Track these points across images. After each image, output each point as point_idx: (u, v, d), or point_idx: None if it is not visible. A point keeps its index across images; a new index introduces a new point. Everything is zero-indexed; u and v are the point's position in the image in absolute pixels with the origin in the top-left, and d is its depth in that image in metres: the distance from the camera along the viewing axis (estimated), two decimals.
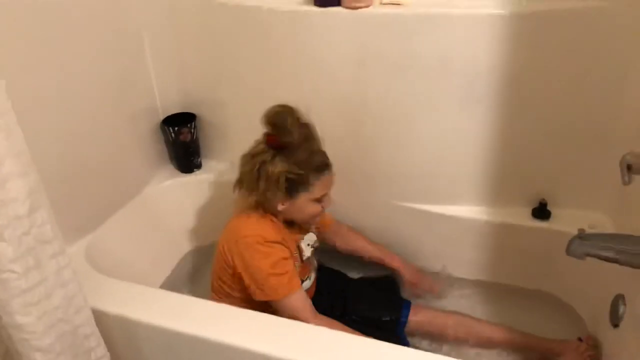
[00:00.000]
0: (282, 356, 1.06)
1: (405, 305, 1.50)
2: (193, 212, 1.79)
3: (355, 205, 1.63)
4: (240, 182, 1.31)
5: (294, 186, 1.26)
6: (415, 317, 1.48)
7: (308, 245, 1.43)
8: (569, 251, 1.12)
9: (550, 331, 1.46)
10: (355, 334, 1.18)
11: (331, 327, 1.17)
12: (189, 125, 1.71)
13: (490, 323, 1.49)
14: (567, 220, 1.47)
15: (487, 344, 1.46)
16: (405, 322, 1.47)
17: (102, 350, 1.12)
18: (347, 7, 1.35)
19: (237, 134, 1.70)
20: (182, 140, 1.72)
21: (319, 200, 1.31)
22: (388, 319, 1.48)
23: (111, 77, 1.47)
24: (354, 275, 1.67)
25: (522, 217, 1.52)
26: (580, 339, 1.39)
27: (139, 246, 1.62)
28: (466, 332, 1.47)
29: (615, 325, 1.21)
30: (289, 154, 1.24)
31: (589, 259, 1.11)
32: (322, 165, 1.28)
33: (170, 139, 1.73)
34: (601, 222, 1.46)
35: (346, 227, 1.63)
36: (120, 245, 1.55)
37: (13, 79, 0.96)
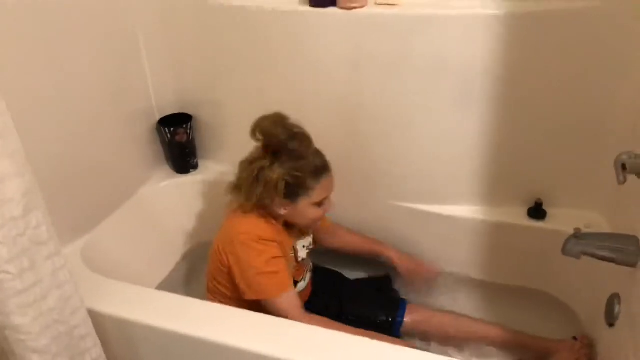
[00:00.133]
0: (278, 356, 1.06)
1: (401, 305, 1.50)
2: (189, 213, 1.79)
3: (352, 206, 1.62)
4: (238, 188, 1.31)
5: (293, 191, 1.26)
6: (411, 317, 1.48)
7: (303, 247, 1.43)
8: (565, 250, 1.12)
9: (546, 330, 1.46)
10: (351, 331, 1.17)
11: (325, 326, 1.16)
12: (185, 125, 1.71)
13: (486, 322, 1.49)
14: (562, 220, 1.48)
15: (482, 343, 1.47)
16: (401, 322, 1.47)
17: (98, 351, 1.12)
18: (342, 8, 1.36)
19: (233, 134, 1.70)
20: (178, 140, 1.71)
21: (319, 205, 1.31)
22: (384, 319, 1.48)
23: (107, 78, 1.46)
24: (350, 275, 1.67)
25: (518, 217, 1.53)
26: (575, 338, 1.39)
27: (135, 247, 1.62)
28: (462, 332, 1.47)
29: (611, 325, 1.21)
30: (287, 159, 1.24)
31: (584, 258, 1.12)
32: (320, 169, 1.28)
33: (166, 140, 1.73)
34: (597, 221, 1.46)
35: (341, 228, 1.62)
36: (117, 246, 1.55)
37: (7, 80, 0.96)
